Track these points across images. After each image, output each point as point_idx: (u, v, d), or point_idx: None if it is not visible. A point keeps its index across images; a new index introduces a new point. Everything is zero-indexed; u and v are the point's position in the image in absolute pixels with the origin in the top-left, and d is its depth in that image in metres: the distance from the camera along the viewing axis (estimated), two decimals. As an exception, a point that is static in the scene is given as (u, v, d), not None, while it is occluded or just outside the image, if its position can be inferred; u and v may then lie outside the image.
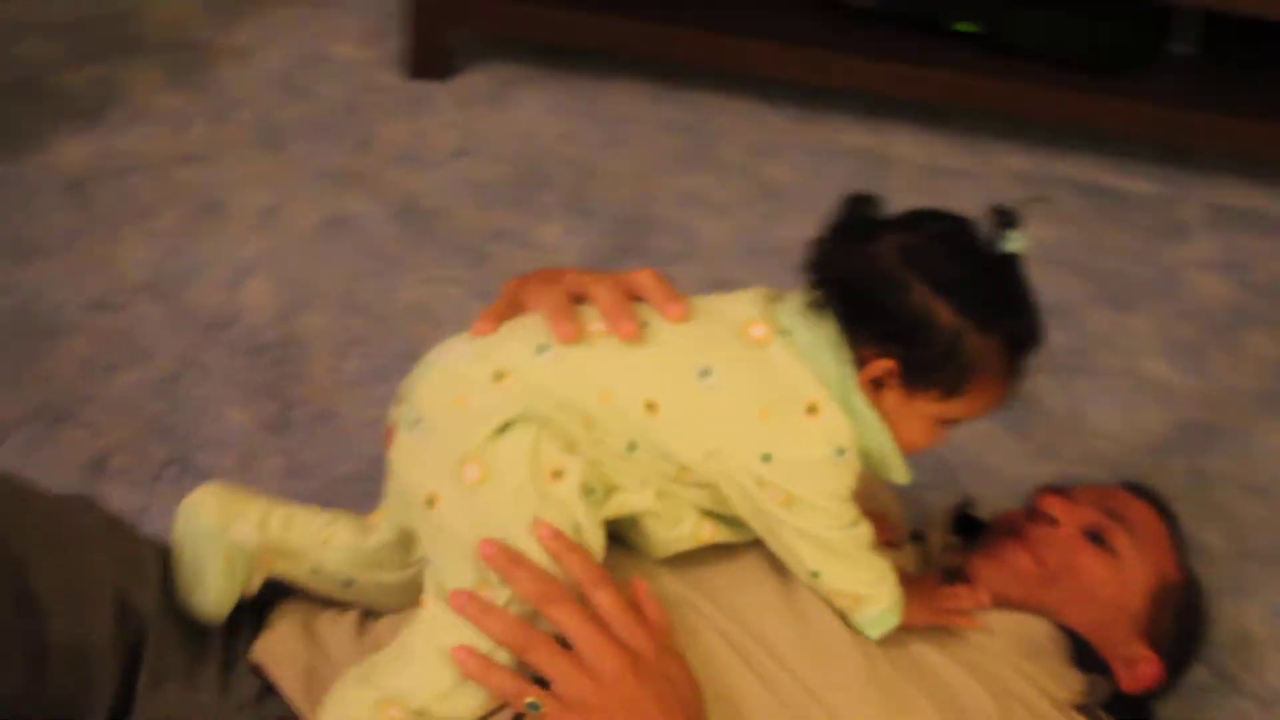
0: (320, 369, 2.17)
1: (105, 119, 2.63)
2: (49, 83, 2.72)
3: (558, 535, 1.25)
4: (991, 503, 1.72)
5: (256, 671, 1.42)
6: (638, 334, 1.29)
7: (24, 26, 2.86)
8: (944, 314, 1.26)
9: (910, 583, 1.37)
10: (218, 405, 2.09)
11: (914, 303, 1.27)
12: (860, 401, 1.29)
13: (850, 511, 1.31)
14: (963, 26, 2.70)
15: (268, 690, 1.41)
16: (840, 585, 1.33)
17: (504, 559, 1.24)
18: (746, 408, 1.28)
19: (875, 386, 1.30)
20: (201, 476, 2.01)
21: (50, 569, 1.33)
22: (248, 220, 2.43)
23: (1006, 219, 1.28)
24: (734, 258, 2.44)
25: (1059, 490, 1.58)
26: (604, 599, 1.24)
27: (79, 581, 1.35)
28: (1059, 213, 2.57)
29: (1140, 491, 1.64)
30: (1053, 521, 1.54)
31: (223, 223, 2.43)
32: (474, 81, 2.82)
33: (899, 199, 1.33)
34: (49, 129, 2.60)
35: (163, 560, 1.43)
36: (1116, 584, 1.52)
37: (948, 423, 1.33)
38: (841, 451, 1.29)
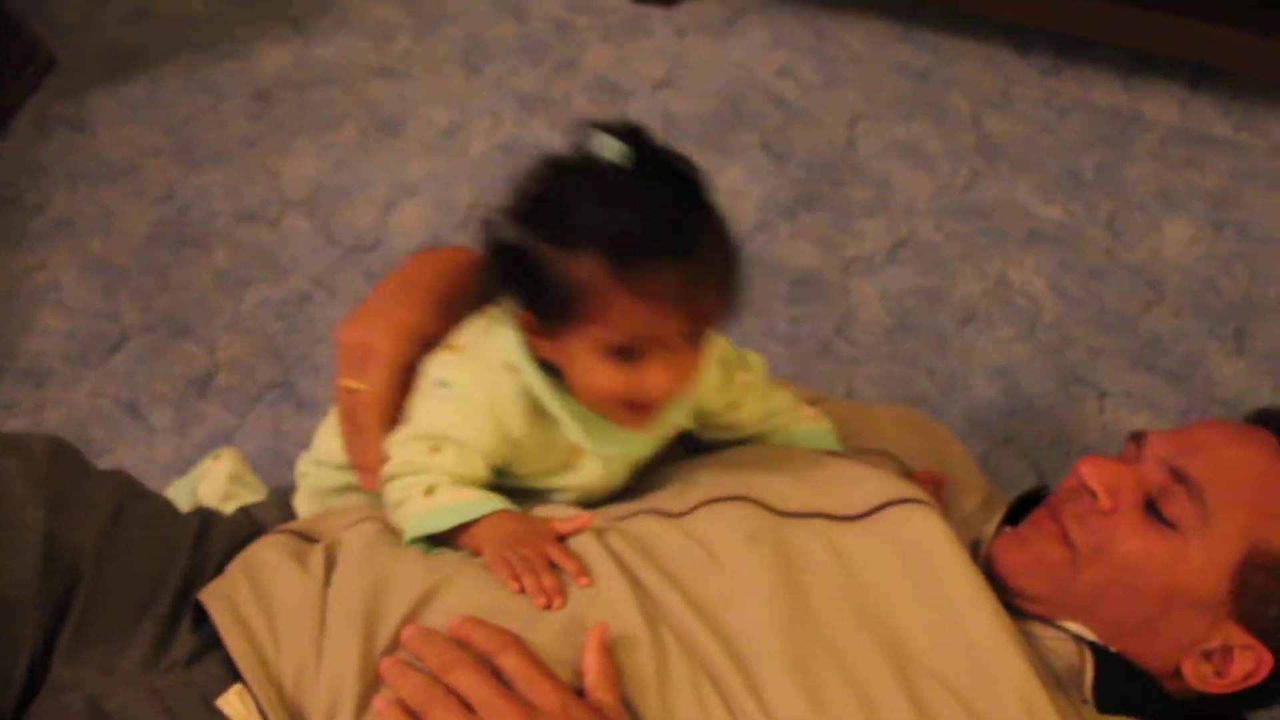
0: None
1: (312, 28, 2.58)
2: (270, -14, 2.70)
3: (463, 622, 1.23)
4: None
5: (198, 623, 1.34)
6: None
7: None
8: (528, 242, 1.23)
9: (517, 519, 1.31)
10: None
11: (508, 242, 1.24)
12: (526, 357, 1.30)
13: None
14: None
15: (209, 646, 1.33)
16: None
17: (416, 639, 1.21)
18: None
19: (539, 340, 1.28)
20: (300, 404, 1.96)
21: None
22: (423, 139, 2.36)
23: (600, 131, 1.24)
24: (925, 216, 2.25)
25: (1127, 452, 1.34)
26: (508, 662, 1.19)
27: (2, 532, 1.28)
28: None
29: (1267, 420, 1.34)
30: (1092, 493, 1.31)
31: (397, 140, 2.36)
32: (700, 8, 2.67)
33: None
34: (257, 34, 2.57)
35: (120, 494, 1.37)
36: (1171, 567, 1.27)
37: (615, 357, 1.25)
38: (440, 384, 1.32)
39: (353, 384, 1.37)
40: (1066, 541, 1.31)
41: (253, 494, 1.63)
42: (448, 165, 2.30)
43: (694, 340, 1.30)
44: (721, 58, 2.56)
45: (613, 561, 1.30)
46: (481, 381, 1.32)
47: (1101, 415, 2.00)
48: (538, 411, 1.33)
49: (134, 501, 1.40)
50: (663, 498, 1.41)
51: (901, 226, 2.23)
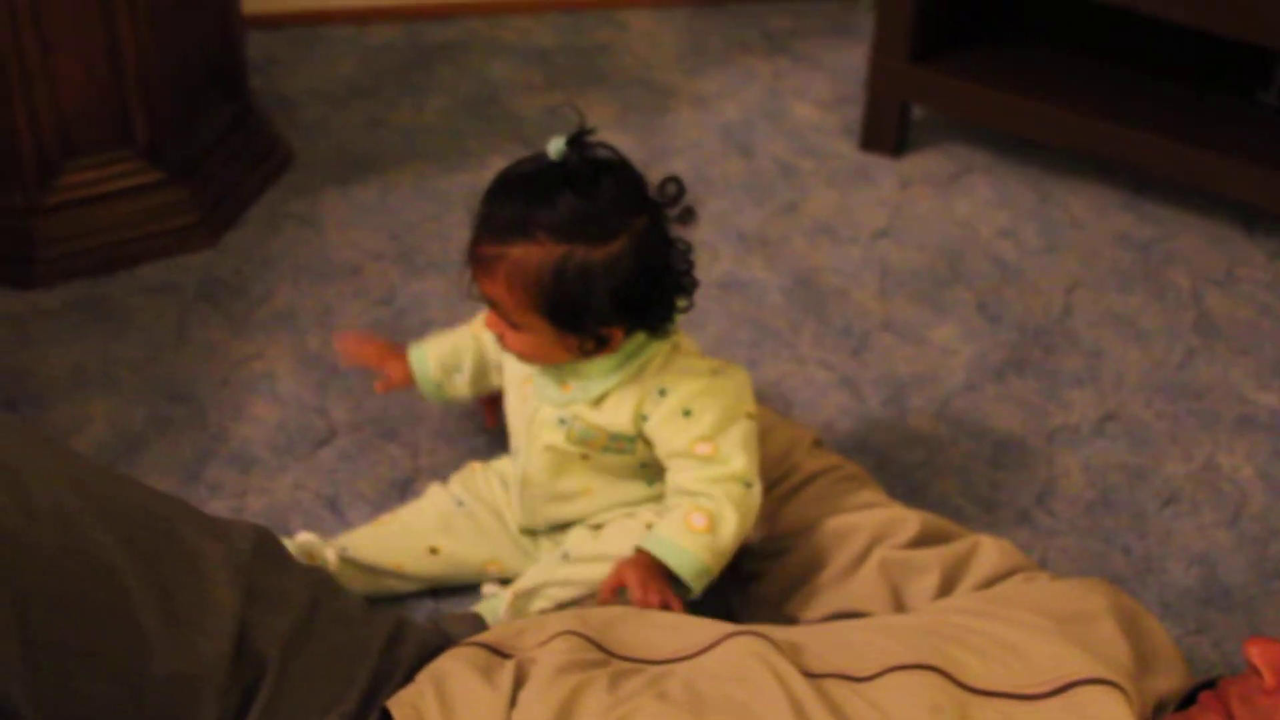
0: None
1: (542, 148, 2.63)
2: (506, 105, 2.76)
3: None
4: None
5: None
6: None
7: (504, 47, 2.92)
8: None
9: None
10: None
11: None
12: None
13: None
14: None
15: (393, 752, 1.35)
16: None
17: None
18: None
19: None
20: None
21: (164, 596, 1.30)
22: (640, 268, 2.38)
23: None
24: (1135, 391, 2.22)
25: None
26: None
27: (195, 611, 1.32)
28: None
29: None
30: (1258, 673, 1.30)
31: (614, 266, 2.39)
32: (925, 161, 2.69)
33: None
34: (490, 149, 2.63)
35: (316, 591, 1.40)
36: None
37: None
38: None
39: None
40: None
41: None
42: (662, 295, 2.33)
43: (500, 314, 1.63)
44: (944, 212, 2.56)
45: (795, 717, 1.29)
46: None
47: (1303, 614, 1.95)
48: None
49: (329, 599, 1.43)
50: (847, 658, 1.40)
51: (1110, 399, 2.20)
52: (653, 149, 2.64)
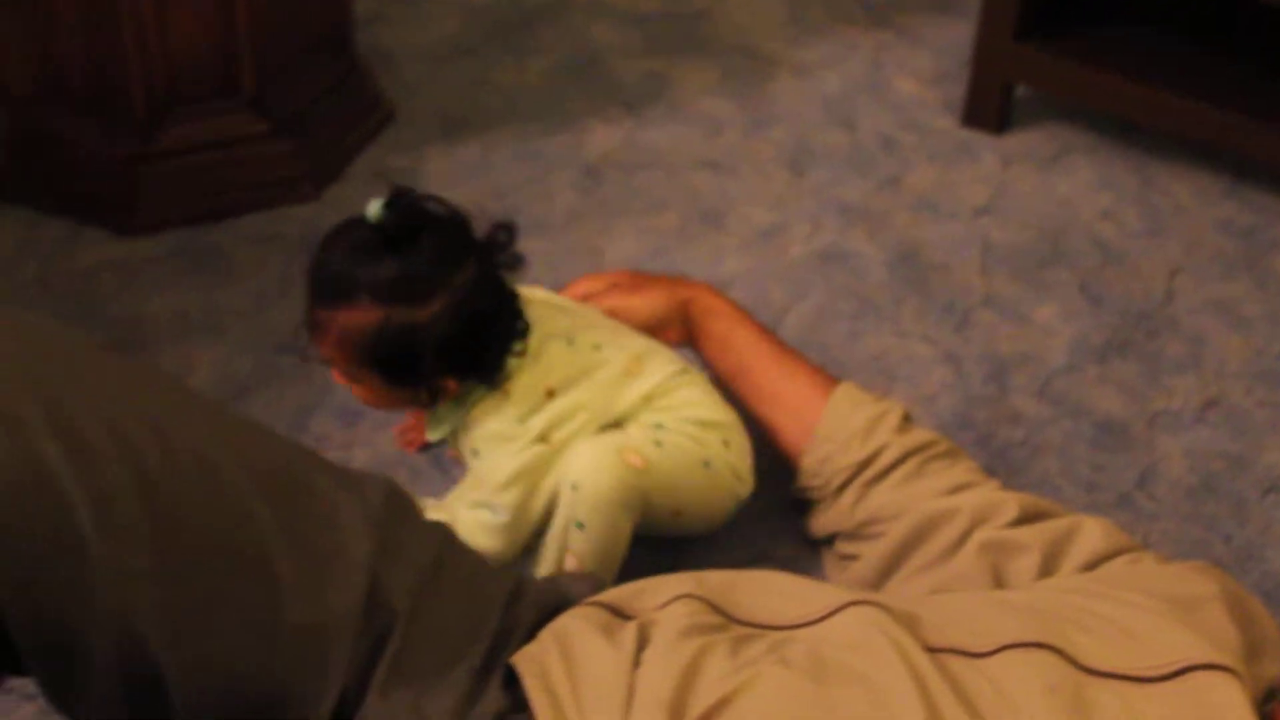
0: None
1: (644, 112, 2.64)
2: (607, 68, 2.76)
3: None
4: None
5: (508, 684, 1.37)
6: None
7: (606, 10, 2.92)
8: None
9: None
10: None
11: None
12: None
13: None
14: None
15: (516, 708, 1.36)
16: None
17: None
18: None
19: None
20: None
21: (299, 545, 1.32)
22: (743, 236, 2.39)
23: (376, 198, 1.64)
24: (1237, 379, 2.21)
25: None
26: None
27: (329, 562, 1.33)
28: None
29: None
30: None
31: (717, 234, 2.39)
32: (1027, 140, 2.68)
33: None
34: (590, 112, 2.64)
35: (441, 547, 1.41)
36: None
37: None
38: None
39: None
40: None
41: None
42: (763, 265, 2.33)
43: (339, 370, 1.71)
44: (1046, 192, 2.55)
45: (918, 691, 1.29)
46: None
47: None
48: None
49: (453, 555, 1.44)
50: (963, 634, 1.40)
51: (1212, 386, 2.19)
52: (754, 117, 2.64)
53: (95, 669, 1.29)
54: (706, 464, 1.78)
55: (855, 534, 1.80)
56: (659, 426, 1.77)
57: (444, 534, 1.45)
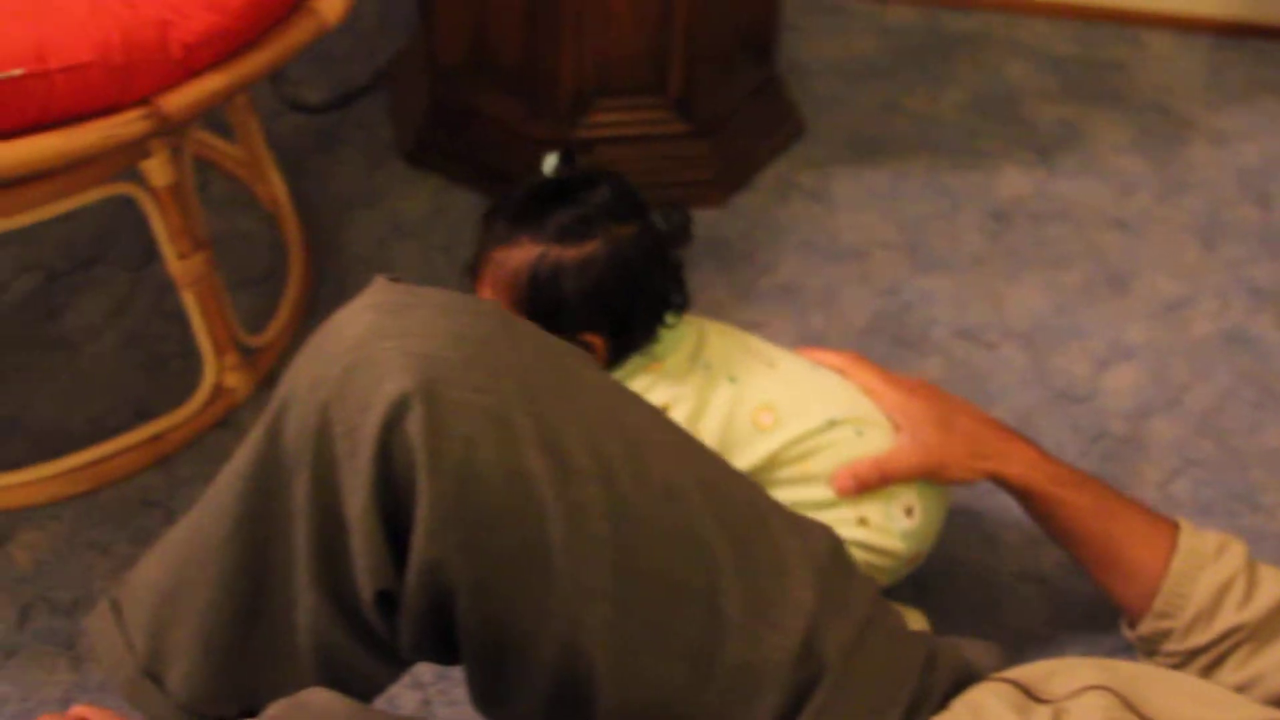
0: (1149, 479, 2.06)
1: (1057, 160, 2.61)
2: (1021, 110, 2.73)
3: None
4: None
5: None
6: None
7: (1023, 48, 2.89)
8: None
9: None
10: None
11: None
12: None
13: None
14: None
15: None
16: None
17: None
18: None
19: None
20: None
21: (749, 585, 1.33)
22: (1147, 306, 2.35)
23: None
24: None
25: None
26: None
27: (773, 606, 1.34)
28: None
29: None
30: None
31: (1122, 299, 2.35)
32: None
33: None
34: (1002, 153, 2.62)
35: (874, 604, 1.42)
36: None
37: None
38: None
39: None
40: None
41: None
42: (1167, 338, 2.29)
43: None
44: None
45: None
46: None
47: None
48: None
49: (881, 614, 1.45)
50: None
51: None
52: (1167, 183, 2.59)
53: (531, 677, 1.33)
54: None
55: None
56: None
57: (874, 591, 1.46)
